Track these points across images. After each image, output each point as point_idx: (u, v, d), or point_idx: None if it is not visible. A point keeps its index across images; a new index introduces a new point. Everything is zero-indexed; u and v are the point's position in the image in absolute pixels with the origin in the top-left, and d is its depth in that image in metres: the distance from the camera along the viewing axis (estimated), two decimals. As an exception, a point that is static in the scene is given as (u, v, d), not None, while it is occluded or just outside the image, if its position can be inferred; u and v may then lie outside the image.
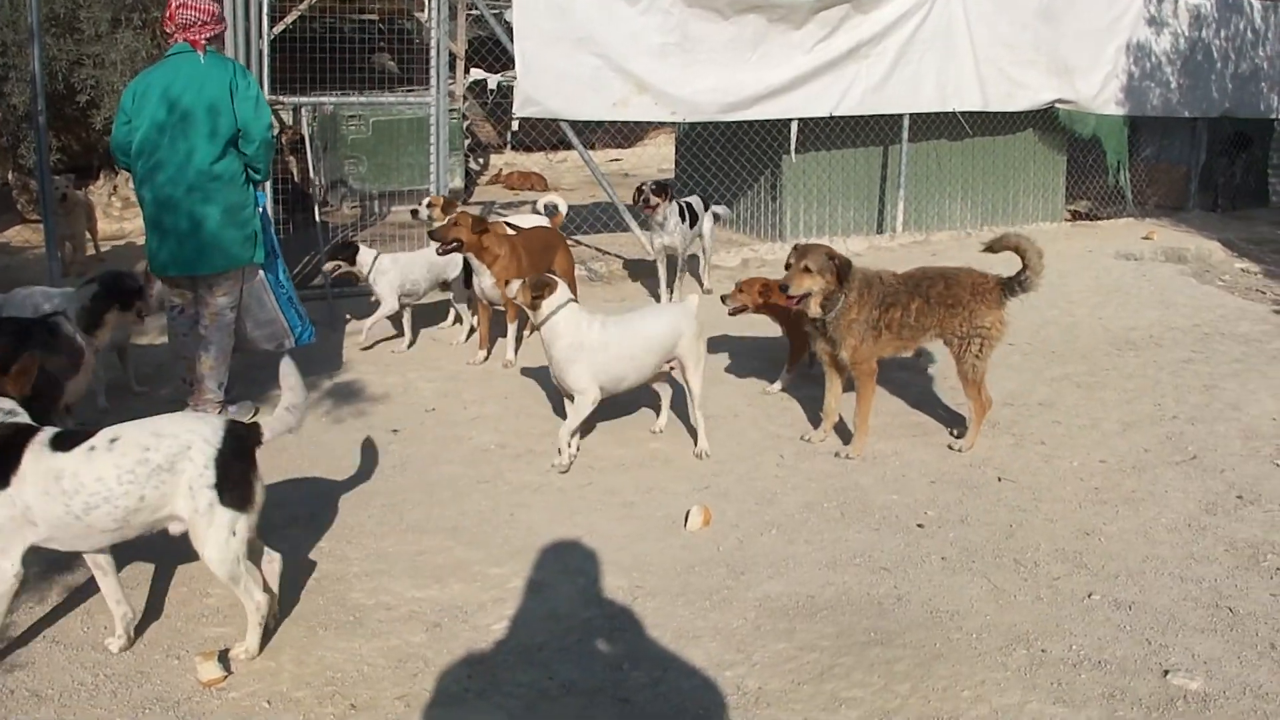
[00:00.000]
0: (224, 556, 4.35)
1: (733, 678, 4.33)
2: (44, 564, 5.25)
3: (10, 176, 17.23)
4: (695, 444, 6.63)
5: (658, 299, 10.19)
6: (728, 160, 12.57)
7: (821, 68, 11.99)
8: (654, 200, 9.81)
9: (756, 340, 8.73)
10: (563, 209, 10.03)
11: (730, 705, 4.17)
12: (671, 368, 6.62)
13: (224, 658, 4.44)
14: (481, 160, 19.98)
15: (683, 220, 10.01)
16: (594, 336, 6.47)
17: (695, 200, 10.46)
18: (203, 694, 4.28)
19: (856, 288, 6.46)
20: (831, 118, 12.25)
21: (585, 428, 6.86)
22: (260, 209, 7.18)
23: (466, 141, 16.57)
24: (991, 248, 6.74)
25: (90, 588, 5.08)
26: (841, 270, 6.43)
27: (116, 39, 14.84)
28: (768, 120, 12.06)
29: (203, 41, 6.78)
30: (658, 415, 7.05)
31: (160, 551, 5.44)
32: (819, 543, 5.46)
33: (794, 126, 12.02)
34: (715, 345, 8.46)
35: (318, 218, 10.77)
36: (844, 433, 6.85)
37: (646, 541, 5.45)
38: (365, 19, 14.97)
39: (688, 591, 4.96)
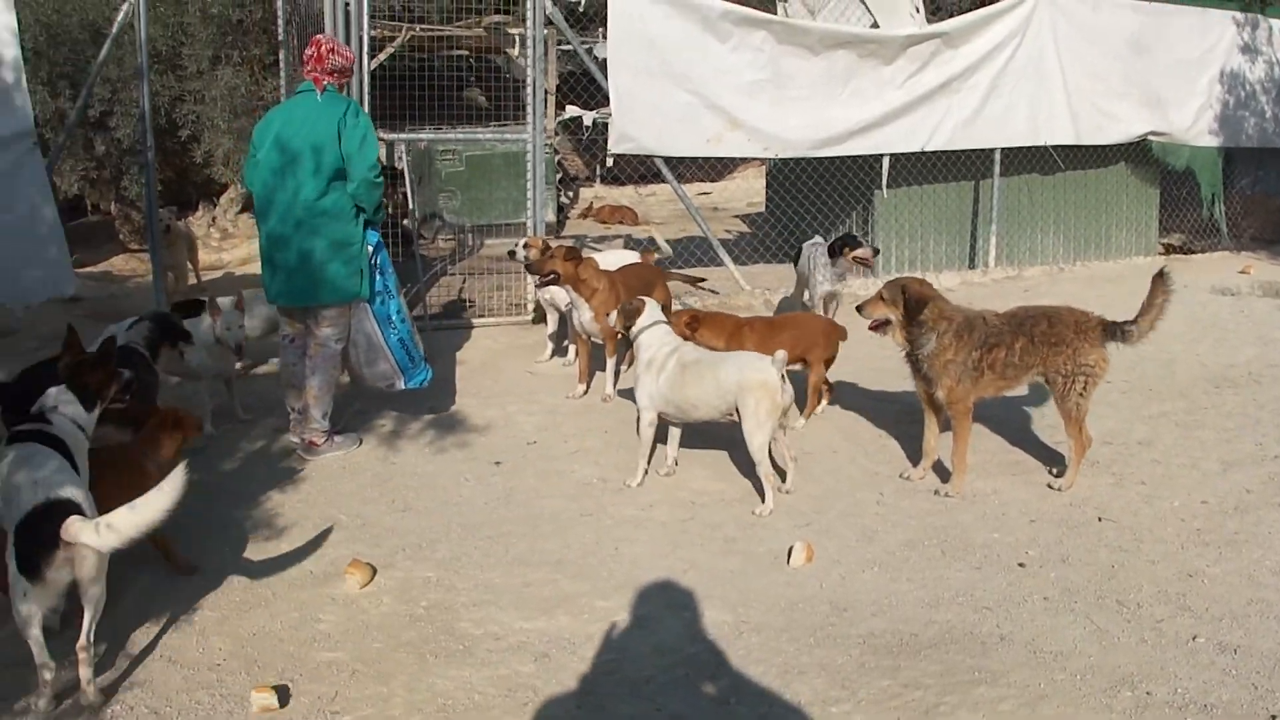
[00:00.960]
0: None
1: (838, 714, 4.35)
2: (155, 586, 5.45)
3: (113, 208, 17.65)
4: (784, 482, 6.66)
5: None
6: (819, 195, 12.60)
7: (913, 103, 12.02)
8: (865, 255, 9.63)
9: (852, 375, 8.80)
10: (664, 249, 10.07)
11: (836, 741, 4.22)
12: (731, 418, 6.57)
13: (282, 691, 4.55)
14: (571, 194, 20.16)
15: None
16: (662, 361, 6.65)
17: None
18: (318, 715, 4.41)
19: (954, 329, 6.49)
20: (922, 152, 12.27)
21: (685, 461, 6.97)
22: (373, 246, 7.28)
23: (558, 175, 16.74)
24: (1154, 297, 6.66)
25: (202, 609, 5.28)
26: (908, 304, 6.51)
27: (217, 75, 15.18)
28: (859, 155, 12.10)
29: (325, 80, 7.01)
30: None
31: (275, 578, 5.62)
32: (921, 580, 5.47)
33: (885, 162, 12.05)
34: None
35: (416, 251, 10.97)
36: (942, 470, 6.85)
37: (749, 577, 5.49)
38: (457, 54, 15.17)
39: (792, 627, 5.00)
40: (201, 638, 5.04)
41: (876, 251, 9.49)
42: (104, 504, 4.82)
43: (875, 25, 12.14)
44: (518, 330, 10.58)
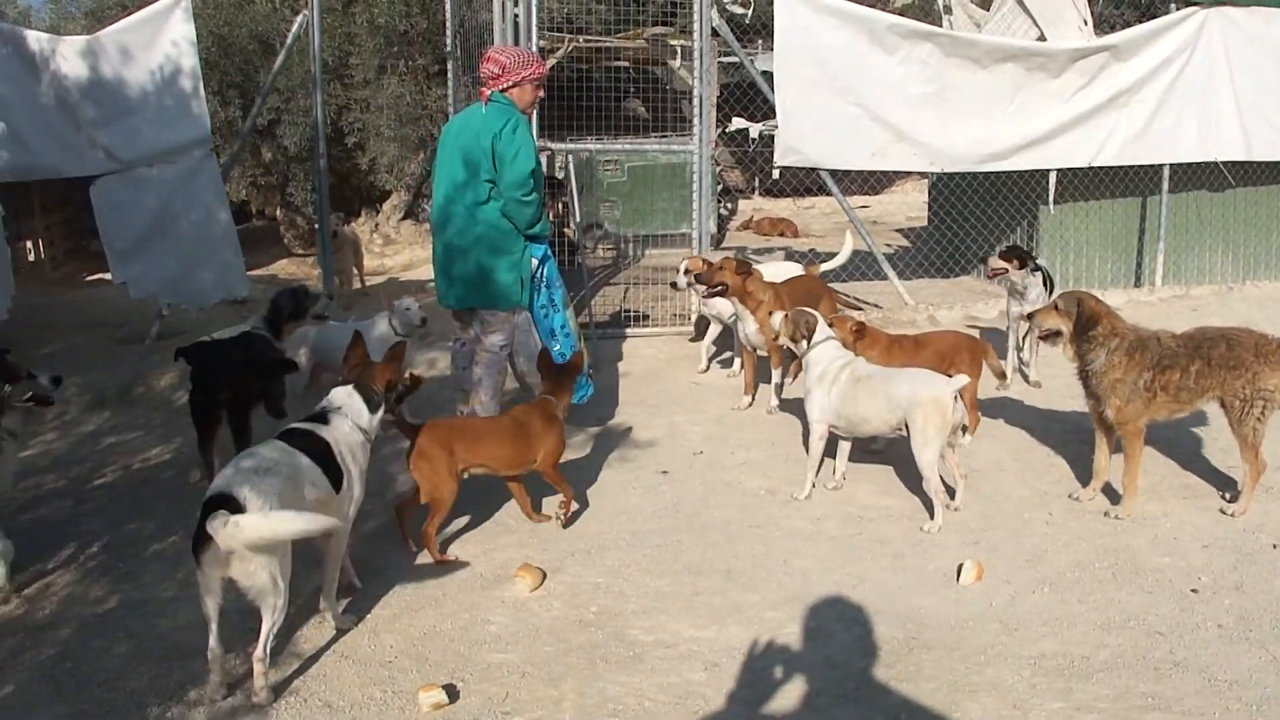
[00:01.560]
0: None
1: (1009, 735, 4.36)
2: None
3: (279, 213, 18.17)
4: (953, 499, 6.64)
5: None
6: (983, 210, 12.48)
7: (1080, 117, 11.81)
8: (998, 265, 9.18)
9: (1020, 394, 8.77)
10: (819, 266, 10.06)
11: (1010, 762, 4.22)
12: (900, 433, 6.59)
13: (451, 690, 4.68)
14: (730, 206, 20.21)
15: (1047, 289, 9.24)
16: (835, 375, 6.68)
17: (1044, 265, 9.71)
18: (489, 715, 4.54)
19: (1125, 347, 6.41)
20: (1089, 168, 12.08)
21: (853, 476, 7.00)
22: (538, 259, 7.38)
23: (718, 187, 16.81)
24: None
25: (374, 607, 5.46)
26: (1081, 317, 6.44)
27: (383, 84, 15.57)
28: (1025, 170, 11.97)
29: (488, 93, 7.18)
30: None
31: (445, 579, 5.78)
32: (1092, 603, 5.42)
33: (1052, 177, 11.88)
34: (988, 402, 8.49)
35: (580, 260, 11.13)
36: (1111, 492, 6.75)
37: (919, 593, 5.50)
38: (617, 65, 15.33)
39: (962, 645, 5.00)
40: (374, 635, 5.22)
41: (1023, 265, 9.14)
42: (525, 456, 6.19)
43: (1042, 38, 11.98)
44: (681, 341, 10.67)
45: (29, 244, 15.72)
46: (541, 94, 7.38)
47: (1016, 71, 11.35)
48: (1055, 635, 5.11)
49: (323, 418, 5.29)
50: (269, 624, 4.59)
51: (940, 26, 12.12)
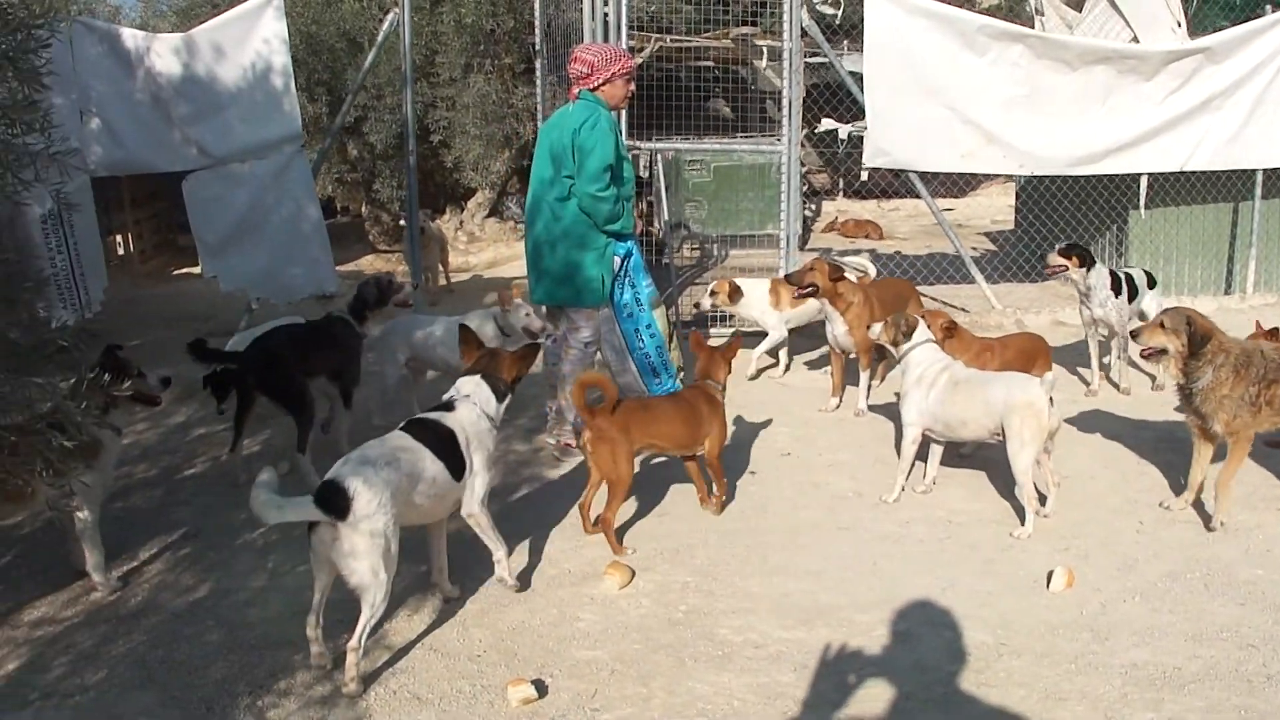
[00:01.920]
0: None
1: (1103, 744, 4.34)
2: (417, 579, 5.74)
3: (364, 209, 18.38)
4: (1044, 506, 6.59)
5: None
6: (1072, 214, 12.39)
7: (1173, 120, 11.68)
8: (1055, 262, 8.91)
9: (1110, 402, 8.72)
10: (870, 272, 10.04)
11: (1101, 770, 4.20)
12: (997, 438, 6.56)
13: (540, 685, 4.73)
14: (814, 208, 20.18)
15: (1117, 294, 8.86)
16: (933, 378, 6.68)
17: (1137, 273, 9.44)
18: (578, 711, 4.57)
19: (1232, 363, 6.32)
20: (1181, 172, 11.94)
21: (943, 480, 7.00)
22: (620, 257, 7.41)
23: (803, 188, 16.78)
24: None
25: (463, 602, 5.56)
26: (1193, 338, 6.33)
27: (469, 83, 15.70)
28: (1115, 174, 11.86)
29: (576, 91, 7.27)
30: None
31: (534, 575, 5.88)
32: (1183, 613, 5.36)
33: (1143, 181, 11.75)
34: (1077, 409, 8.46)
35: (665, 259, 11.18)
36: (1200, 506, 6.65)
37: (1008, 599, 5.47)
38: (702, 65, 15.34)
39: (1052, 653, 4.97)
40: (462, 629, 5.29)
41: (1084, 264, 9.03)
42: (695, 436, 6.30)
43: (1135, 40, 11.86)
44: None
45: (119, 238, 16.04)
46: (632, 89, 7.44)
47: (1108, 74, 11.25)
48: (1146, 645, 5.06)
49: (449, 406, 5.41)
50: (366, 616, 4.69)
51: (1031, 28, 12.03)
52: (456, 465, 5.22)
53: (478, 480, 5.38)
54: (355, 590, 4.68)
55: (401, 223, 17.03)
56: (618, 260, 7.38)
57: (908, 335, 6.84)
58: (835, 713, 4.55)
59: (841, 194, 21.32)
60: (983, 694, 4.67)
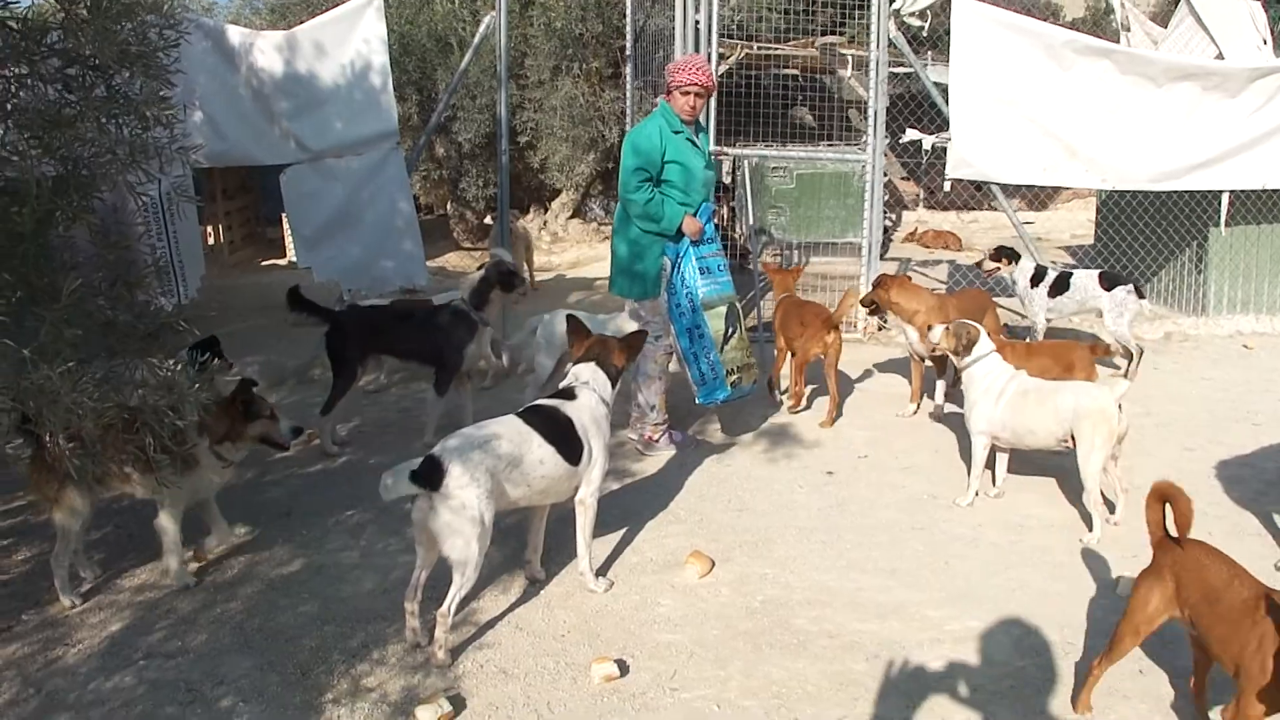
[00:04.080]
0: None
1: (1163, 740, 4.47)
2: (506, 560, 6.00)
3: (449, 207, 18.65)
4: (1113, 514, 6.70)
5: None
6: (1152, 229, 12.40)
7: (1257, 138, 11.63)
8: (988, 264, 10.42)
9: (1186, 415, 8.75)
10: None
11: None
12: (1066, 445, 6.67)
13: (622, 664, 4.94)
14: (895, 217, 20.22)
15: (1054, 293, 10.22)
16: (1001, 388, 6.81)
17: (1084, 274, 10.34)
18: (657, 690, 4.77)
19: None
20: (1263, 190, 11.93)
21: (1016, 486, 7.12)
22: (670, 258, 7.53)
23: (885, 198, 16.82)
24: None
25: (549, 584, 5.79)
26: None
27: (557, 85, 15.90)
28: (1195, 191, 11.87)
29: (660, 99, 7.59)
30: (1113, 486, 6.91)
31: (617, 562, 6.08)
32: (1249, 622, 5.46)
33: (1225, 198, 11.75)
34: (1146, 418, 8.52)
35: (752, 265, 11.34)
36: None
37: (1077, 601, 5.58)
38: (787, 73, 15.48)
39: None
40: (548, 610, 5.51)
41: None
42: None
43: (1220, 56, 11.86)
44: (845, 347, 10.73)
45: (209, 229, 16.44)
46: (695, 103, 7.55)
47: (1193, 90, 11.25)
48: (1211, 649, 5.17)
49: (569, 393, 5.66)
50: (457, 585, 4.93)
51: (1116, 43, 12.08)
52: (572, 451, 5.44)
53: (596, 468, 5.61)
54: (449, 560, 4.92)
55: (487, 221, 17.31)
56: (666, 262, 7.54)
57: (968, 348, 6.97)
58: (905, 701, 4.71)
59: (922, 205, 21.34)
60: (1048, 688, 4.81)
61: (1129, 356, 9.75)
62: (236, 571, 5.92)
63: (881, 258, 12.51)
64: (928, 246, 17.96)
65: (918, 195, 21.58)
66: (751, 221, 12.17)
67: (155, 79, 4.84)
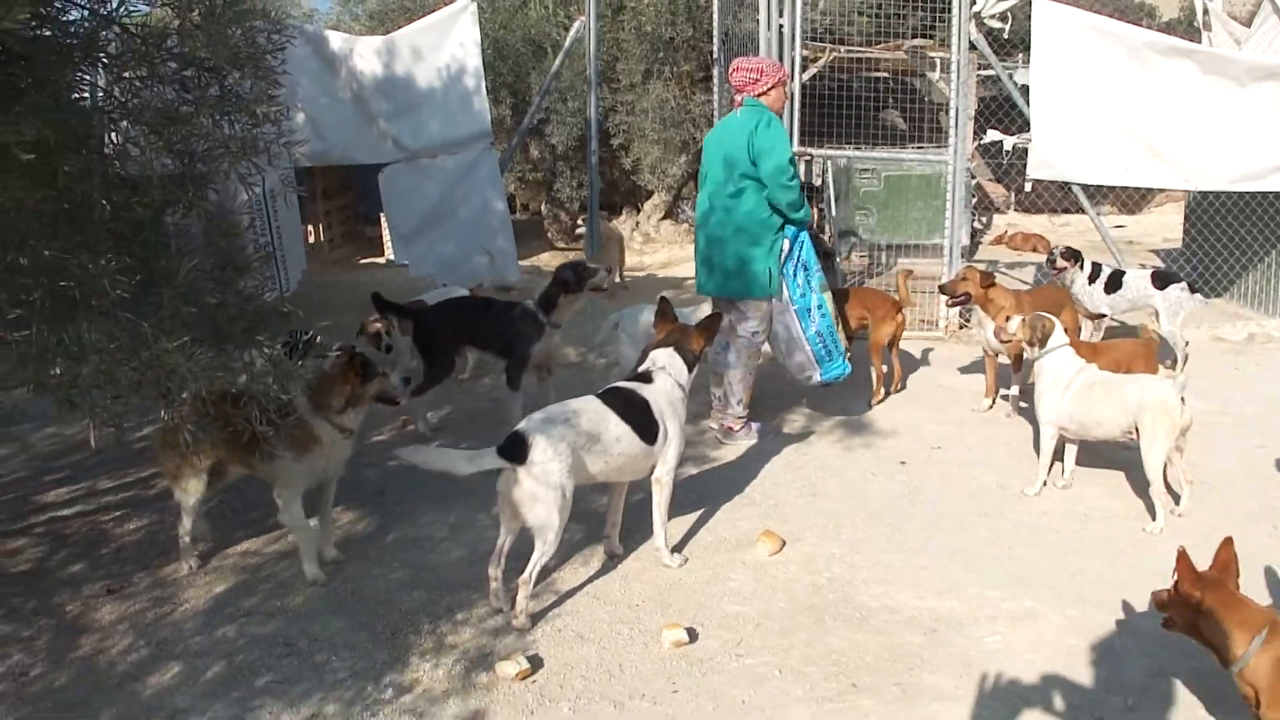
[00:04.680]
0: None
1: (1201, 717, 4.67)
2: (586, 536, 6.35)
3: (543, 208, 18.99)
4: (1178, 505, 6.81)
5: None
6: (1237, 231, 12.38)
7: (1343, 139, 11.59)
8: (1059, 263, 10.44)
9: (1262, 412, 8.85)
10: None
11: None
12: (1131, 437, 6.80)
13: (692, 632, 5.24)
14: (985, 220, 20.22)
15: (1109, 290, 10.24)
16: (1068, 381, 6.98)
17: (1134, 273, 10.47)
18: (724, 655, 5.08)
19: None
20: (1350, 192, 11.85)
21: (1083, 478, 7.28)
22: (790, 240, 7.79)
23: (974, 200, 16.86)
24: None
25: (625, 559, 6.13)
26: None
27: (648, 89, 16.12)
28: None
29: (740, 98, 7.81)
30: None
31: (692, 541, 6.39)
32: (1304, 613, 5.56)
33: (1309, 200, 11.72)
34: (1222, 416, 8.63)
35: (836, 265, 11.54)
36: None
37: (1134, 587, 5.69)
38: (875, 76, 15.59)
39: (1170, 638, 5.22)
40: (624, 582, 5.86)
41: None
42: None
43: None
44: (929, 344, 11.11)
45: (310, 227, 16.91)
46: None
47: (1276, 90, 11.20)
48: (1262, 635, 5.30)
49: (646, 377, 5.96)
50: (538, 553, 5.28)
51: (1199, 42, 12.09)
52: (647, 431, 5.74)
53: (671, 448, 5.90)
54: (531, 528, 5.27)
55: (580, 221, 17.62)
56: (786, 244, 7.79)
57: (1043, 340, 7.14)
58: (958, 670, 4.96)
59: (1013, 208, 21.31)
60: (1098, 666, 5.01)
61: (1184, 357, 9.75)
62: (333, 543, 6.26)
63: (969, 260, 12.63)
64: (1016, 249, 17.92)
65: (1008, 198, 21.55)
66: (837, 223, 12.37)
67: (264, 79, 5.22)
